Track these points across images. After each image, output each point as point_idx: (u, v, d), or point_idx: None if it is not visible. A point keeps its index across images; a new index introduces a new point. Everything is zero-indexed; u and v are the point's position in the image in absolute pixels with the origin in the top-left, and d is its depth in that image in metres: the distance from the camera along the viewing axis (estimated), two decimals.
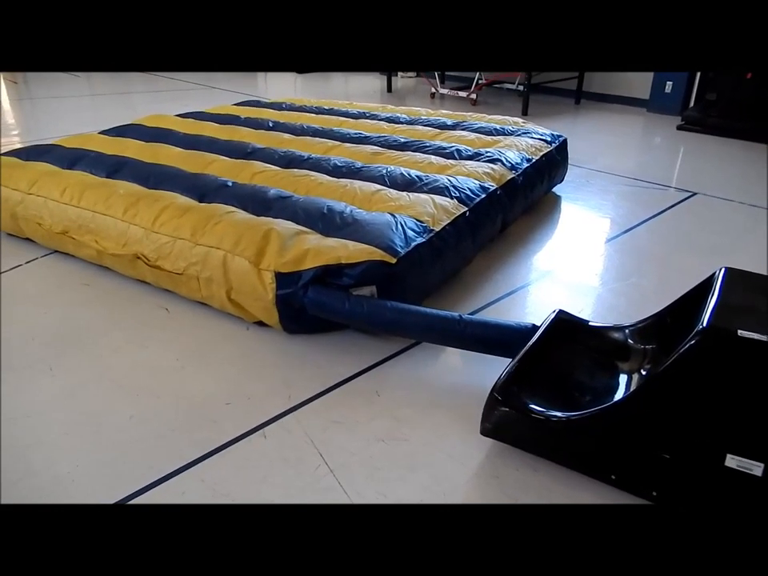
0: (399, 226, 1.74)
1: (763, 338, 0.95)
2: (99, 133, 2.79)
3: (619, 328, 1.41)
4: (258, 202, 1.89)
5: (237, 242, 1.65)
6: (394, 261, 1.62)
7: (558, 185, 2.89)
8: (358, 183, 2.06)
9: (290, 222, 1.76)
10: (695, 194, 2.85)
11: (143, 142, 2.57)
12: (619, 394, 1.23)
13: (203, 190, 1.98)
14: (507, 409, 1.19)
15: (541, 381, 1.28)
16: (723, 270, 1.19)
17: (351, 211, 1.84)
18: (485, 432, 1.24)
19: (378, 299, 1.55)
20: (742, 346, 0.96)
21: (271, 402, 1.43)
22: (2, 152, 2.46)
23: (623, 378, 1.28)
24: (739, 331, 0.97)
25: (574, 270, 2.11)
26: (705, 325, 1.00)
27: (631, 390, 1.24)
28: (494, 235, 2.20)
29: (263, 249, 1.62)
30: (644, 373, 1.26)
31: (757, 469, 0.97)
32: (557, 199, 2.80)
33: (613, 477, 1.12)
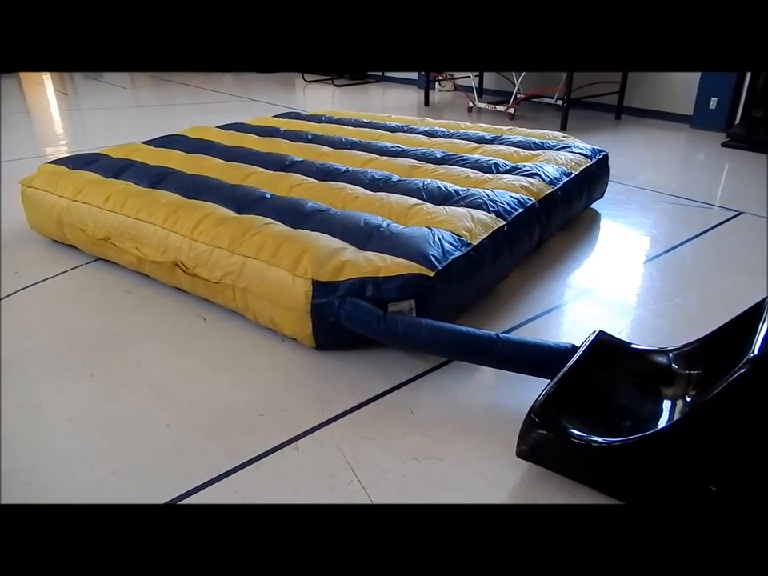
0: (436, 239, 1.73)
1: None
2: (143, 143, 2.87)
3: (663, 351, 1.37)
4: (295, 215, 1.90)
5: (274, 253, 1.67)
6: (432, 274, 1.61)
7: (598, 201, 2.84)
8: (394, 197, 2.06)
9: (327, 236, 1.77)
10: (740, 213, 2.77)
11: (185, 153, 2.63)
12: (662, 421, 1.19)
13: (242, 201, 2.01)
14: (545, 432, 1.16)
15: (580, 404, 1.24)
16: None
17: (388, 225, 1.84)
18: (521, 454, 1.22)
19: (413, 317, 1.54)
20: None
21: (304, 414, 1.43)
22: (51, 160, 2.55)
23: (666, 405, 1.24)
24: None
25: (613, 289, 2.06)
26: (756, 353, 0.96)
27: (675, 417, 1.19)
28: (530, 250, 2.17)
29: (301, 259, 1.63)
30: (689, 399, 1.21)
31: None
32: (596, 216, 2.75)
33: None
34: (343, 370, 1.60)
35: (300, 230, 1.82)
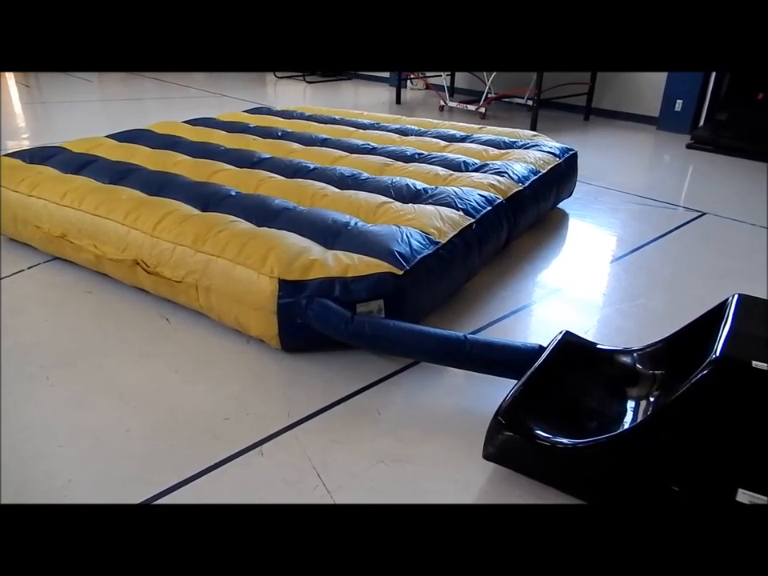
0: (405, 238, 1.72)
1: None
2: (107, 137, 2.79)
3: (628, 352, 1.38)
4: (262, 213, 1.87)
5: (240, 251, 1.63)
6: (400, 273, 1.59)
7: (566, 201, 2.86)
8: (363, 195, 2.04)
9: (294, 234, 1.74)
10: (704, 213, 2.82)
11: (151, 149, 2.56)
12: (628, 421, 1.20)
13: (207, 199, 1.96)
14: (511, 433, 1.16)
15: (546, 405, 1.24)
16: (736, 297, 1.16)
17: (356, 223, 1.82)
18: (488, 456, 1.21)
19: (381, 319, 1.52)
20: (756, 378, 0.93)
21: (270, 418, 1.40)
22: (6, 153, 2.45)
23: (632, 405, 1.25)
24: (753, 362, 0.94)
25: (580, 289, 2.08)
26: (718, 354, 0.96)
27: (640, 417, 1.20)
28: (498, 249, 2.17)
29: (267, 257, 1.60)
30: (653, 400, 1.22)
31: None
32: (564, 215, 2.78)
33: None
34: (310, 372, 1.57)
35: (267, 228, 1.78)
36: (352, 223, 1.82)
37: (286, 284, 1.55)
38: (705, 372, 0.96)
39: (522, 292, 2.03)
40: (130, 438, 1.33)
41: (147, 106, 5.28)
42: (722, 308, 1.17)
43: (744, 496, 0.95)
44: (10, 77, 6.93)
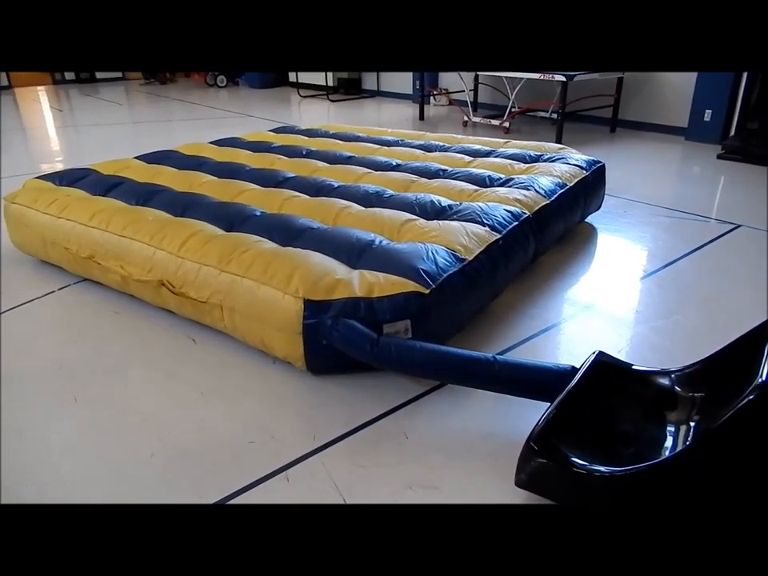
0: (431, 255, 1.69)
1: None
2: (135, 158, 2.83)
3: (665, 373, 1.33)
4: (285, 232, 1.86)
5: (264, 271, 1.62)
6: (427, 292, 1.56)
7: (594, 214, 2.81)
8: (387, 212, 2.02)
9: (318, 253, 1.73)
10: (738, 226, 2.74)
11: (177, 170, 2.59)
12: (667, 448, 1.14)
13: (232, 219, 1.97)
14: (545, 460, 1.11)
15: (581, 430, 1.20)
16: None
17: (381, 242, 1.80)
18: (520, 484, 1.16)
19: (407, 340, 1.49)
20: None
21: (296, 442, 1.37)
22: (38, 176, 2.50)
23: (671, 430, 1.19)
24: None
25: (611, 306, 2.02)
26: (765, 379, 0.91)
27: (679, 443, 1.14)
28: (525, 265, 2.13)
29: (292, 277, 1.58)
30: (693, 425, 1.16)
31: None
32: (592, 229, 2.72)
33: None
34: (336, 394, 1.54)
35: (291, 247, 1.77)
36: (376, 241, 1.80)
37: (311, 304, 1.53)
38: (751, 397, 0.91)
39: (550, 309, 1.98)
40: (153, 462, 1.32)
41: (174, 127, 5.39)
42: (763, 329, 1.12)
43: None
44: (44, 102, 7.15)
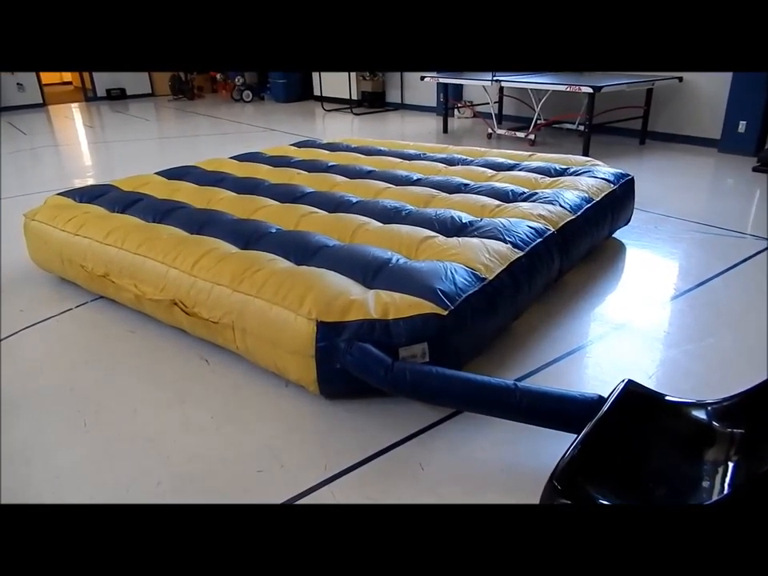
0: (449, 274, 1.62)
1: None
2: (156, 173, 2.83)
3: (701, 405, 1.23)
4: (301, 250, 1.81)
5: (277, 291, 1.58)
6: (445, 313, 1.50)
7: (623, 230, 2.70)
8: (405, 229, 1.97)
9: (333, 273, 1.67)
10: None
11: (197, 186, 2.58)
12: (703, 489, 1.05)
13: (248, 236, 1.93)
14: (568, 501, 1.03)
15: (608, 467, 1.11)
16: None
17: (398, 260, 1.74)
18: None
19: (423, 366, 1.42)
20: None
21: (306, 471, 1.31)
22: (58, 192, 2.51)
23: (706, 469, 1.10)
24: None
25: (641, 327, 1.92)
26: None
27: (717, 484, 1.05)
28: (549, 284, 2.04)
29: (305, 298, 1.53)
30: (731, 465, 1.07)
31: None
32: (620, 245, 2.62)
33: None
34: (350, 420, 1.48)
35: (305, 266, 1.73)
36: (393, 260, 1.74)
37: (325, 326, 1.48)
38: None
39: (576, 331, 1.89)
40: (159, 491, 1.27)
41: (200, 142, 5.44)
42: None
43: None
44: (77, 119, 7.31)
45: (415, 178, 2.64)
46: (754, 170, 3.90)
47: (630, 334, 1.88)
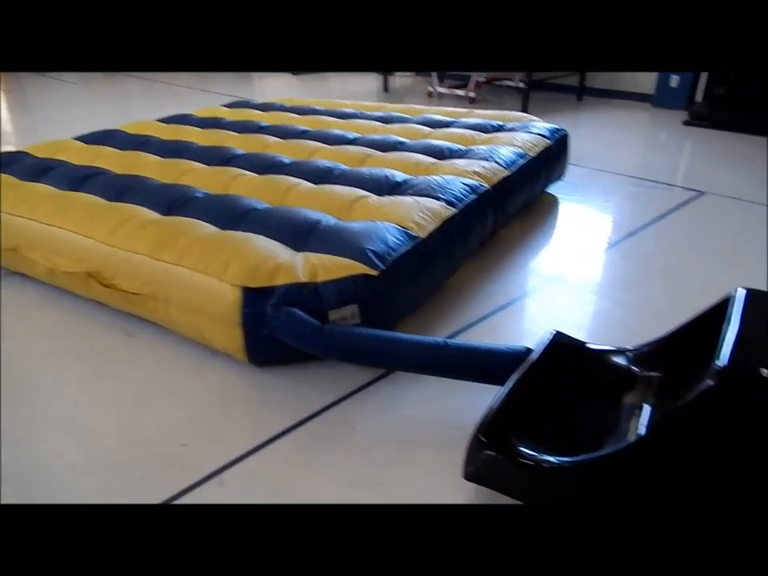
0: (381, 234, 1.59)
1: None
2: (75, 138, 2.66)
3: (621, 351, 1.26)
4: (228, 215, 1.74)
5: (200, 258, 1.51)
6: (375, 273, 1.47)
7: (558, 185, 2.72)
8: (338, 189, 1.91)
9: (261, 237, 1.61)
10: (703, 193, 2.68)
11: (119, 150, 2.44)
12: (623, 432, 1.07)
13: (171, 202, 1.84)
14: (493, 453, 1.04)
15: (533, 416, 1.12)
16: (741, 291, 1.03)
17: (328, 221, 1.69)
18: (468, 477, 1.09)
19: (353, 328, 1.39)
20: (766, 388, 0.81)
21: (233, 441, 1.28)
22: None
23: (626, 413, 1.12)
24: (762, 370, 0.81)
25: (573, 279, 1.95)
26: (723, 364, 0.84)
27: (635, 428, 1.07)
28: (484, 240, 2.04)
29: (230, 263, 1.47)
30: (648, 408, 1.09)
31: None
32: (554, 200, 2.64)
33: None
34: (280, 387, 1.45)
35: (232, 231, 1.66)
36: (324, 221, 1.69)
37: (250, 292, 1.43)
38: (708, 383, 0.83)
39: (510, 286, 1.90)
40: (74, 474, 1.21)
41: (131, 106, 5.15)
42: (724, 304, 1.05)
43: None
44: None
45: (351, 137, 2.57)
46: (685, 123, 3.99)
47: (563, 286, 1.91)
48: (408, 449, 1.25)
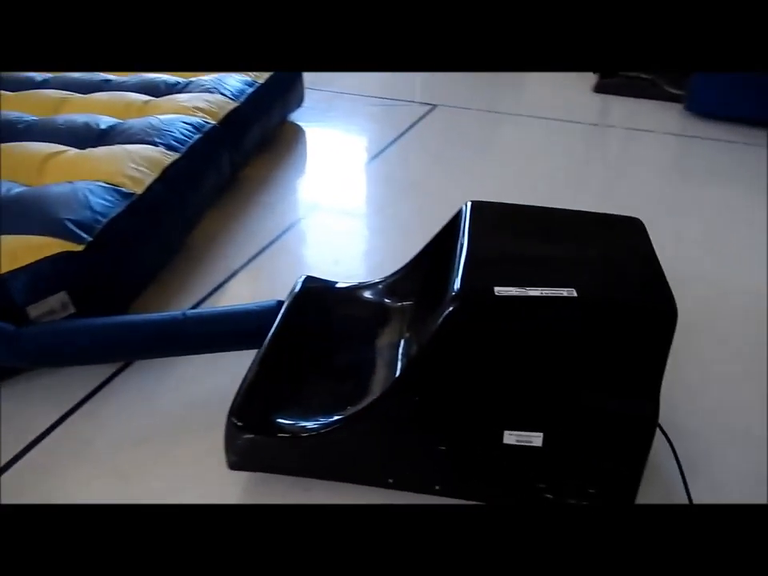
0: (82, 197, 1.29)
1: (522, 291, 0.78)
2: None
3: (372, 285, 1.19)
4: None
5: None
6: (80, 248, 1.19)
7: (298, 112, 2.58)
8: (21, 147, 1.52)
9: None
10: (436, 106, 2.77)
11: None
12: (381, 375, 1.02)
13: None
14: (252, 435, 0.91)
15: (292, 379, 1.01)
16: (469, 205, 1.01)
17: (10, 190, 1.33)
18: (233, 466, 0.95)
19: (63, 322, 1.12)
20: (502, 306, 0.79)
21: None
22: None
23: (387, 351, 1.07)
24: (497, 289, 0.79)
25: (326, 212, 1.86)
26: (457, 289, 0.80)
27: (394, 366, 1.03)
28: (223, 184, 1.83)
29: None
30: (404, 341, 1.05)
31: (536, 440, 0.84)
32: (298, 129, 2.50)
33: (390, 481, 0.92)
34: None
35: None
36: (4, 190, 1.33)
37: None
38: (446, 312, 0.79)
39: (259, 232, 1.73)
40: None
41: None
42: (457, 220, 1.02)
43: (510, 437, 0.84)
44: None
45: (39, 79, 2.08)
46: None
47: (315, 221, 1.81)
48: (163, 451, 1.06)
